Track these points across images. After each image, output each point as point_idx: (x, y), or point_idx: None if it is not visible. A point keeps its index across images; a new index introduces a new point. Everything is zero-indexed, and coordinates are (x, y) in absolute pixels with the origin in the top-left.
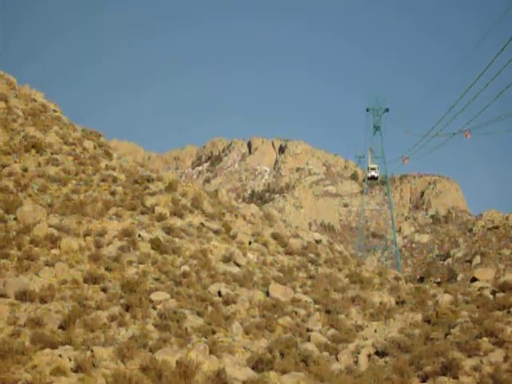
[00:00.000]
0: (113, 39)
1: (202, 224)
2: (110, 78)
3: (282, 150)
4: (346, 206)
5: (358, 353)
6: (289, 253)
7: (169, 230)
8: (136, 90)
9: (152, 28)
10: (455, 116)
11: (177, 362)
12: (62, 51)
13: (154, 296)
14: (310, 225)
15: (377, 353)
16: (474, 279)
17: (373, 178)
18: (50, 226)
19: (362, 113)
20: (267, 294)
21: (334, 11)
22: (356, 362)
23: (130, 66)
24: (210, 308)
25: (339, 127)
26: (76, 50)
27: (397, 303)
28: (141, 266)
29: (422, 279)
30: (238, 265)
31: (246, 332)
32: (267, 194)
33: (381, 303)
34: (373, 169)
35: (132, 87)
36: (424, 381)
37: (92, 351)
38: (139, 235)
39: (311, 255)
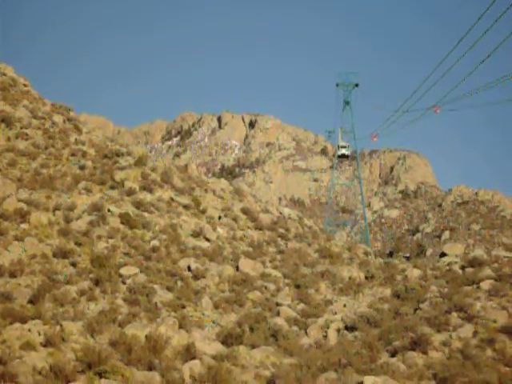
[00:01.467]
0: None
1: (172, 199)
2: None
3: (252, 124)
4: (315, 180)
5: (328, 327)
6: (258, 228)
7: (138, 205)
8: (110, 68)
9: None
10: (426, 92)
11: (146, 337)
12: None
13: (123, 271)
14: (280, 200)
15: (346, 327)
16: (443, 254)
17: (343, 156)
18: (20, 200)
19: (333, 88)
20: (237, 268)
21: None
22: (325, 337)
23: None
24: (179, 283)
25: (309, 102)
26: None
27: (366, 278)
28: (110, 241)
29: (391, 254)
30: (207, 240)
31: (216, 307)
32: (237, 169)
33: (350, 278)
34: (343, 147)
35: (105, 63)
36: (393, 355)
37: (61, 326)
38: (109, 210)
39: (281, 230)
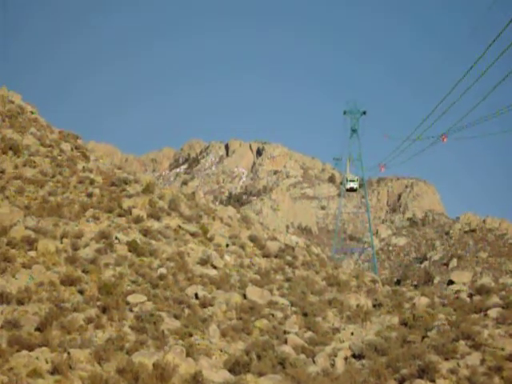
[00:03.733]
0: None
1: (179, 226)
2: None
3: (259, 152)
4: (323, 208)
5: (335, 355)
6: (266, 255)
7: (146, 233)
8: (117, 95)
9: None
10: (436, 120)
11: (153, 365)
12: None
13: (130, 298)
14: (288, 227)
15: (354, 355)
16: (450, 282)
17: (351, 189)
18: (27, 227)
19: (340, 116)
20: (244, 296)
21: (319, 16)
22: (333, 365)
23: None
24: (186, 310)
25: (317, 130)
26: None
27: (374, 306)
28: (118, 269)
29: (398, 282)
30: (215, 267)
31: (223, 334)
32: (244, 197)
33: (358, 306)
34: (352, 180)
35: (113, 91)
36: (401, 383)
37: (69, 353)
38: (116, 237)
39: (288, 258)
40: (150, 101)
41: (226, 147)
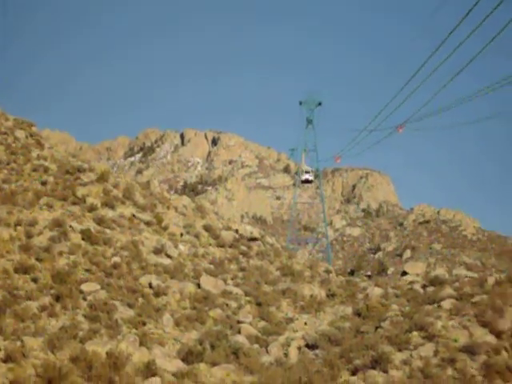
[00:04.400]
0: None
1: (134, 215)
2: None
3: (214, 142)
4: (278, 198)
5: (289, 345)
6: (220, 245)
7: (100, 221)
8: (68, 80)
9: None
10: (391, 113)
11: (107, 353)
12: None
13: (84, 287)
14: (242, 217)
15: (307, 345)
16: (404, 273)
17: (307, 181)
18: None
19: (296, 106)
20: (198, 286)
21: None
22: (286, 355)
23: (62, 54)
24: (140, 299)
25: (272, 120)
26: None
27: (327, 296)
28: (71, 257)
29: (352, 272)
30: (169, 256)
31: (177, 324)
32: (200, 186)
33: (311, 296)
34: (307, 172)
35: (64, 77)
36: (354, 374)
37: (22, 341)
38: (70, 226)
39: (243, 247)
40: (106, 90)
41: (182, 136)
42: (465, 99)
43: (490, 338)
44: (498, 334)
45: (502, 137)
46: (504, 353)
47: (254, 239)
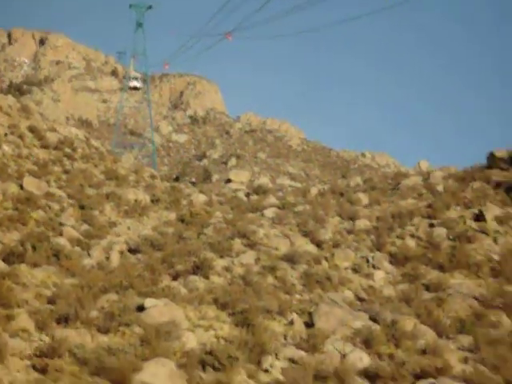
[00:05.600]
0: None
1: None
2: None
3: (42, 42)
4: (104, 102)
5: (111, 249)
6: (45, 146)
7: None
8: None
9: None
10: (225, 18)
11: None
12: None
13: None
14: (68, 119)
15: (129, 250)
16: (228, 181)
17: (135, 88)
18: None
19: (126, 9)
20: (21, 187)
21: None
22: (108, 259)
23: None
24: None
25: (101, 22)
26: None
27: (152, 201)
28: None
29: (177, 179)
30: None
31: None
32: (25, 87)
33: (136, 201)
34: (135, 78)
35: None
36: (175, 279)
37: None
38: None
39: (67, 150)
40: None
41: (9, 35)
42: (291, 10)
43: (311, 248)
44: (319, 244)
45: (322, 51)
46: (324, 262)
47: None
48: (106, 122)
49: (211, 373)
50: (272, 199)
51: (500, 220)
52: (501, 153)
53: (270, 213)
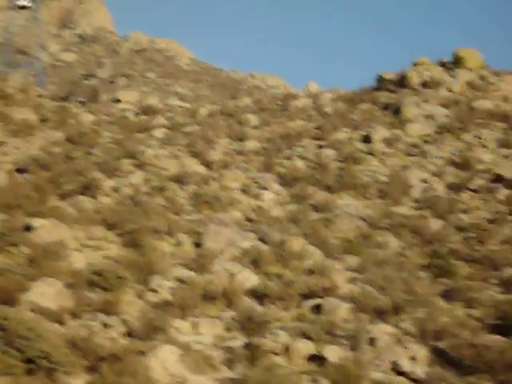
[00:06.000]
0: None
1: None
2: None
3: None
4: None
5: None
6: None
7: None
8: None
9: None
10: None
11: None
12: None
13: None
14: None
15: (17, 170)
16: (117, 101)
17: (23, 7)
18: None
19: None
20: None
21: None
22: None
23: None
24: None
25: None
26: None
27: (39, 121)
28: None
29: (65, 98)
30: None
31: None
32: None
33: (23, 120)
34: None
35: None
36: (63, 199)
37: None
38: None
39: None
40: None
41: None
42: None
43: (201, 169)
44: (208, 165)
45: None
46: (213, 183)
47: None
48: None
49: (99, 293)
50: (161, 119)
51: (388, 142)
52: (389, 75)
53: (159, 133)
